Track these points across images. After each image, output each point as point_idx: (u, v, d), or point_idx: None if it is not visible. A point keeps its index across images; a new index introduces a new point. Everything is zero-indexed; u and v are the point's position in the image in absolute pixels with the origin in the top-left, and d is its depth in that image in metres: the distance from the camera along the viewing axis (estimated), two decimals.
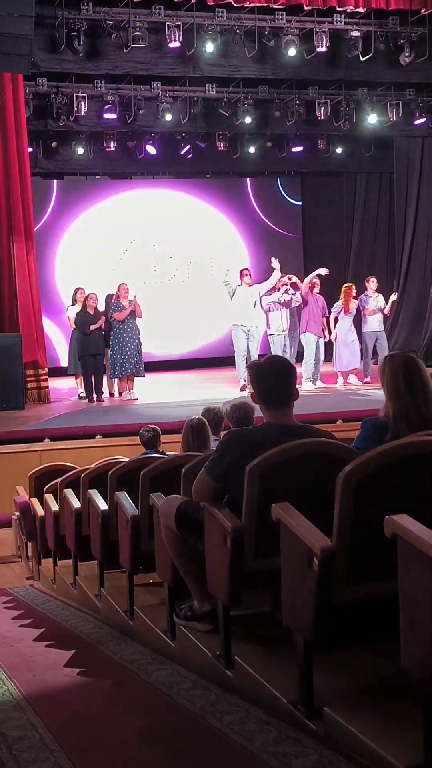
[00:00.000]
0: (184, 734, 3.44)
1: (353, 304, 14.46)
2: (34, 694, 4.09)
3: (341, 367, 14.49)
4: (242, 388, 13.26)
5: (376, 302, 14.65)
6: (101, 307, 14.21)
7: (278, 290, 14.11)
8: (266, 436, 3.86)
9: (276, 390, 3.98)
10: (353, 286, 14.79)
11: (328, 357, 15.25)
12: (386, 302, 14.79)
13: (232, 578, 3.78)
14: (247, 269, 14.13)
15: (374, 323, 14.70)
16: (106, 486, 6.13)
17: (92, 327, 13.60)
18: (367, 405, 11.53)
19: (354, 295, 14.56)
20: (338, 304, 14.43)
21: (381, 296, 14.80)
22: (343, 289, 14.62)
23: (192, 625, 4.37)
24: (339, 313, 14.40)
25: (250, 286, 13.86)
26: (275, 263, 13.95)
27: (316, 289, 14.29)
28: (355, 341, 14.48)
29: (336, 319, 14.52)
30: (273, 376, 3.99)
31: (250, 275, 14.03)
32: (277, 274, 14.01)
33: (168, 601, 4.66)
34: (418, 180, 17.89)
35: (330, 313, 14.53)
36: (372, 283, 14.79)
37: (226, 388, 13.82)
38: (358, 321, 14.81)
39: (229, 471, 3.90)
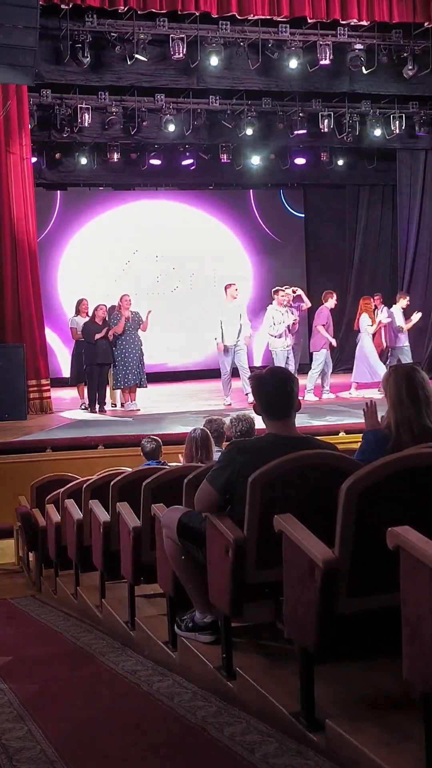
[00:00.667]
0: (185, 746, 3.43)
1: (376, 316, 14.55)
2: (34, 705, 4.08)
3: (369, 378, 14.39)
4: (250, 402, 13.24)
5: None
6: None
7: (285, 307, 13.98)
8: (268, 448, 3.87)
9: (277, 401, 3.99)
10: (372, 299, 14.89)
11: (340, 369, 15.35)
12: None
13: (234, 589, 3.78)
14: (233, 284, 14.01)
15: (404, 338, 14.76)
16: (108, 497, 6.13)
17: (97, 336, 13.61)
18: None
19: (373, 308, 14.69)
20: (367, 318, 14.43)
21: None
22: (363, 304, 14.63)
23: (193, 636, 4.36)
24: (368, 326, 14.44)
25: (235, 299, 13.80)
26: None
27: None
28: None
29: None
30: (274, 388, 4.00)
31: (236, 289, 13.96)
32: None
33: (169, 612, 4.66)
34: (420, 193, 17.91)
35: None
36: (403, 300, 14.74)
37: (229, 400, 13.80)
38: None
39: (231, 482, 3.90)
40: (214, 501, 3.99)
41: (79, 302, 14.83)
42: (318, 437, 4.21)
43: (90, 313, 14.06)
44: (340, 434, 11.06)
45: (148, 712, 3.88)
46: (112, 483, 6.15)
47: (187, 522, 4.27)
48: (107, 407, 13.99)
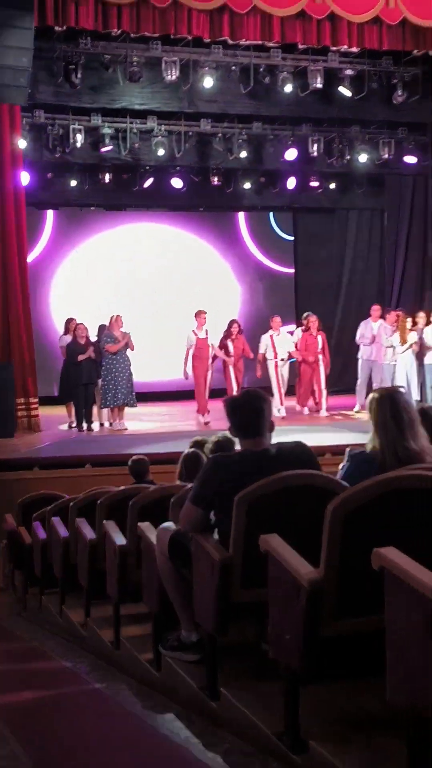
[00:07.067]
0: (168, 766, 3.43)
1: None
2: (18, 725, 4.07)
3: None
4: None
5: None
6: (94, 338, 14.27)
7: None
8: (247, 460, 3.99)
9: (249, 421, 4.11)
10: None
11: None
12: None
13: (219, 609, 3.78)
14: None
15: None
16: (95, 515, 6.13)
17: (80, 357, 13.60)
18: (357, 438, 11.54)
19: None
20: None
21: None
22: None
23: (178, 655, 4.36)
24: None
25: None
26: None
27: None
28: None
29: None
30: (246, 409, 4.13)
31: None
32: None
33: (154, 631, 4.66)
34: (409, 218, 18.00)
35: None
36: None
37: (216, 420, 13.81)
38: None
39: (214, 497, 3.95)
40: (199, 518, 4.02)
41: (68, 321, 14.85)
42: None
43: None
44: (326, 456, 11.06)
45: (132, 732, 3.88)
46: (99, 501, 6.16)
47: (179, 540, 4.29)
48: (95, 426, 13.97)
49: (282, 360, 14.92)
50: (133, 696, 4.41)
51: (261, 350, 14.88)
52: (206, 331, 14.46)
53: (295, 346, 15.09)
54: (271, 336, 14.90)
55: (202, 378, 14.37)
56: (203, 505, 4.01)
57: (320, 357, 15.02)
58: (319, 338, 15.08)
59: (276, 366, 14.79)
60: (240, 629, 4.23)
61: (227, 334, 14.93)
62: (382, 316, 15.31)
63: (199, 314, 14.55)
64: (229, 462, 4.08)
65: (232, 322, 15.25)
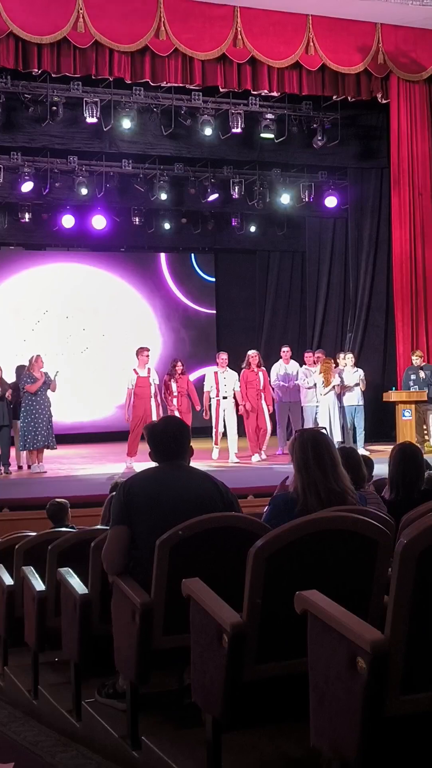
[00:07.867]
0: None
1: None
2: None
3: None
4: None
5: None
6: (12, 378, 14.06)
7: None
8: (160, 472, 4.15)
9: (168, 447, 4.21)
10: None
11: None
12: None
13: (140, 656, 3.70)
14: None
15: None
16: (12, 561, 5.99)
17: None
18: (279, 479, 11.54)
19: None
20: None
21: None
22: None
23: (112, 702, 4.26)
24: None
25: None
26: None
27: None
28: None
29: None
30: (165, 436, 4.24)
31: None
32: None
33: (74, 679, 4.54)
34: (329, 260, 18.26)
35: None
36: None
37: (137, 462, 13.71)
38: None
39: (130, 511, 3.99)
40: (124, 539, 4.00)
41: None
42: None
43: None
44: (249, 497, 11.04)
45: None
46: (16, 546, 6.03)
47: None
48: (12, 468, 13.71)
49: (224, 398, 14.03)
50: (52, 747, 4.28)
51: (206, 388, 14.18)
52: (149, 369, 13.81)
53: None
54: (215, 373, 14.20)
55: (139, 419, 13.54)
56: (124, 522, 4.02)
57: (262, 395, 14.24)
58: (260, 375, 14.29)
59: (218, 404, 14.05)
60: (163, 676, 4.15)
61: (171, 372, 14.44)
62: (294, 357, 15.39)
63: (140, 352, 13.88)
64: (141, 476, 4.20)
65: (175, 360, 14.81)
